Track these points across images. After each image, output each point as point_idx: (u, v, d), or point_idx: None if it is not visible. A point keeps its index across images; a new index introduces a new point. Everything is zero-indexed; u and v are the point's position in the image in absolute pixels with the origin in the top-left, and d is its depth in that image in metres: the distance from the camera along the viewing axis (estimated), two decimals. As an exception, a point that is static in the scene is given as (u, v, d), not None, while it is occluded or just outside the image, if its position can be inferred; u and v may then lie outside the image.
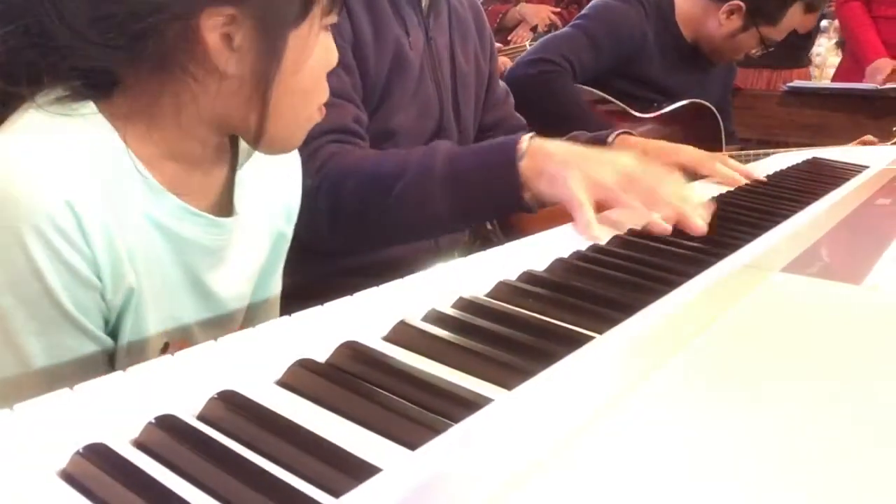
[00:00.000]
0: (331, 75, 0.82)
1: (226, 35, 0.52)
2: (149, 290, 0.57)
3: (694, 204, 0.70)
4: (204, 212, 0.60)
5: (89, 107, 0.54)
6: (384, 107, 0.93)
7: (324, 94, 0.61)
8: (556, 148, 0.75)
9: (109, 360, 0.58)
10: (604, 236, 0.68)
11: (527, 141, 0.76)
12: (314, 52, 0.57)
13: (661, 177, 0.72)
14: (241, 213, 0.63)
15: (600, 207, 0.72)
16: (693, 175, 1.04)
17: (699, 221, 0.68)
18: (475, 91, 1.08)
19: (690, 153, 1.05)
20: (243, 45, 0.53)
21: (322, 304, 0.47)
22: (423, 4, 0.98)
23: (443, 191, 0.78)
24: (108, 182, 0.53)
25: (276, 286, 0.75)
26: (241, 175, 0.64)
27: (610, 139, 1.09)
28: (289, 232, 0.73)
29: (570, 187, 0.70)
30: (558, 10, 2.61)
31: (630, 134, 1.12)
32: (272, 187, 0.69)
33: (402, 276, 0.53)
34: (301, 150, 0.79)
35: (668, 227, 0.68)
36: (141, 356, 0.58)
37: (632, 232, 0.70)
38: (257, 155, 0.65)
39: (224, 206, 0.63)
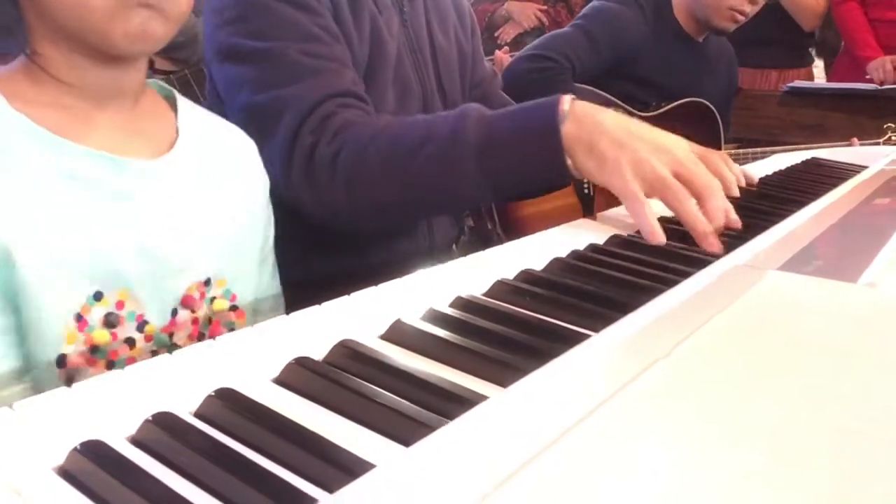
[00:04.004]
0: (319, 44, 0.82)
1: None
2: (52, 233, 0.58)
3: (733, 219, 0.68)
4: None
5: None
6: (370, 89, 0.88)
7: None
8: (608, 119, 0.68)
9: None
10: (663, 238, 0.64)
11: (568, 102, 0.69)
12: None
13: (713, 181, 0.68)
14: (168, 160, 0.65)
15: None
16: None
17: (719, 246, 0.65)
18: (459, 70, 1.04)
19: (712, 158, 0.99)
20: None
21: (319, 303, 0.48)
22: None
23: (475, 158, 0.71)
24: None
25: (266, 277, 0.76)
26: (183, 140, 0.67)
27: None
28: (261, 212, 0.74)
29: (626, 178, 0.65)
30: (545, 8, 2.61)
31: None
32: (226, 168, 0.71)
33: (398, 276, 0.53)
34: (307, 118, 0.78)
35: (719, 247, 0.64)
36: (69, 295, 0.59)
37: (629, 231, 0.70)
38: (203, 132, 0.70)
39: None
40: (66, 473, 0.32)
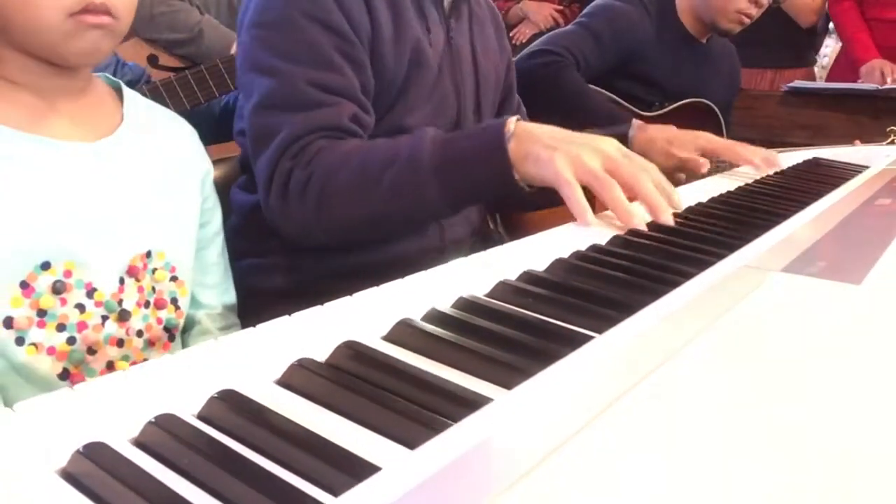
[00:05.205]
0: (334, 73, 0.85)
1: None
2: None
3: (671, 196, 0.74)
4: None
5: None
6: (400, 105, 0.94)
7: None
8: (543, 130, 0.77)
9: None
10: (593, 220, 0.70)
11: (514, 123, 0.77)
12: None
13: (644, 166, 0.74)
14: (109, 142, 0.71)
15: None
16: (712, 161, 1.11)
17: (669, 217, 0.72)
18: (493, 94, 1.09)
19: (709, 138, 1.10)
20: None
21: (322, 303, 0.47)
22: (445, 4, 0.99)
23: (433, 177, 0.78)
24: None
25: (209, 262, 0.83)
26: (126, 125, 0.74)
27: (631, 133, 1.13)
28: (196, 195, 0.81)
29: (557, 168, 0.71)
30: (560, 8, 2.61)
31: (647, 123, 1.14)
32: (165, 151, 0.78)
33: (402, 276, 0.53)
34: (290, 146, 0.85)
35: (641, 223, 0.70)
36: (14, 264, 0.65)
37: (632, 231, 0.70)
38: (146, 117, 0.77)
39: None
40: (68, 476, 0.32)
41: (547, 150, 0.73)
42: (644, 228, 0.70)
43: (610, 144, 0.74)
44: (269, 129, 0.85)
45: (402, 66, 0.92)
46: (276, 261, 0.97)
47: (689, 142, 1.10)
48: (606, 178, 0.71)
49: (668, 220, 0.72)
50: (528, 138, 0.75)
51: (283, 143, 0.84)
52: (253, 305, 0.90)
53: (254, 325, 0.44)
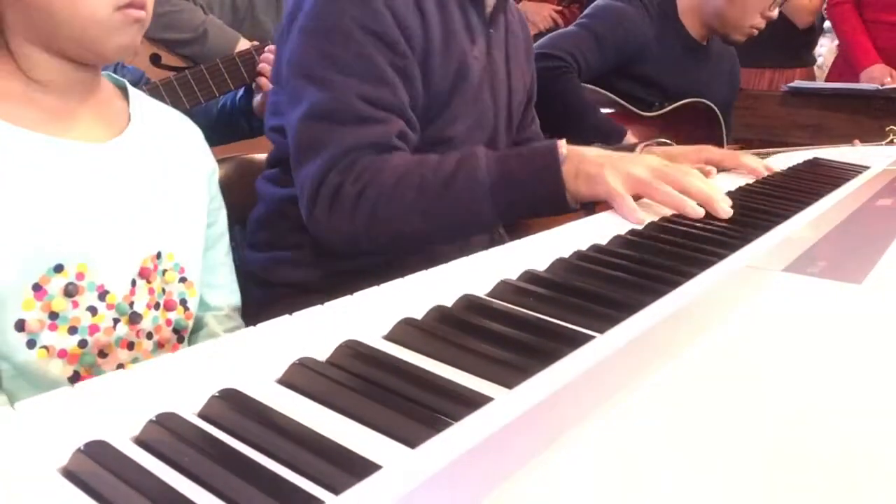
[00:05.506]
0: (386, 88, 0.85)
1: None
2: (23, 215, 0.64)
3: (719, 192, 0.78)
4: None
5: None
6: (444, 115, 0.95)
7: None
8: (590, 151, 0.81)
9: None
10: (646, 219, 0.74)
11: (564, 146, 0.81)
12: None
13: (687, 170, 0.79)
14: (118, 143, 0.71)
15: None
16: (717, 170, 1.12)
17: (726, 206, 0.76)
18: (520, 106, 1.11)
19: (713, 151, 1.13)
20: None
21: (322, 303, 0.48)
22: (487, 15, 1.00)
23: (490, 195, 0.81)
24: None
25: (216, 261, 0.84)
26: (135, 124, 0.74)
27: (637, 151, 1.13)
28: (203, 195, 0.81)
29: (609, 182, 0.75)
30: (560, 8, 2.61)
31: (650, 147, 1.16)
32: (172, 151, 0.78)
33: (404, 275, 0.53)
34: (340, 160, 0.85)
35: (701, 211, 0.75)
36: (27, 267, 0.65)
37: (633, 232, 0.70)
38: (154, 117, 0.77)
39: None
40: (69, 474, 0.32)
41: (597, 167, 0.77)
42: (701, 214, 0.75)
43: (653, 158, 0.80)
44: (316, 141, 0.85)
45: (447, 78, 0.93)
46: (305, 256, 0.97)
47: (691, 155, 1.10)
48: (656, 181, 0.75)
49: (726, 208, 0.75)
50: (579, 159, 0.79)
51: (331, 157, 0.84)
52: (272, 298, 0.90)
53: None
